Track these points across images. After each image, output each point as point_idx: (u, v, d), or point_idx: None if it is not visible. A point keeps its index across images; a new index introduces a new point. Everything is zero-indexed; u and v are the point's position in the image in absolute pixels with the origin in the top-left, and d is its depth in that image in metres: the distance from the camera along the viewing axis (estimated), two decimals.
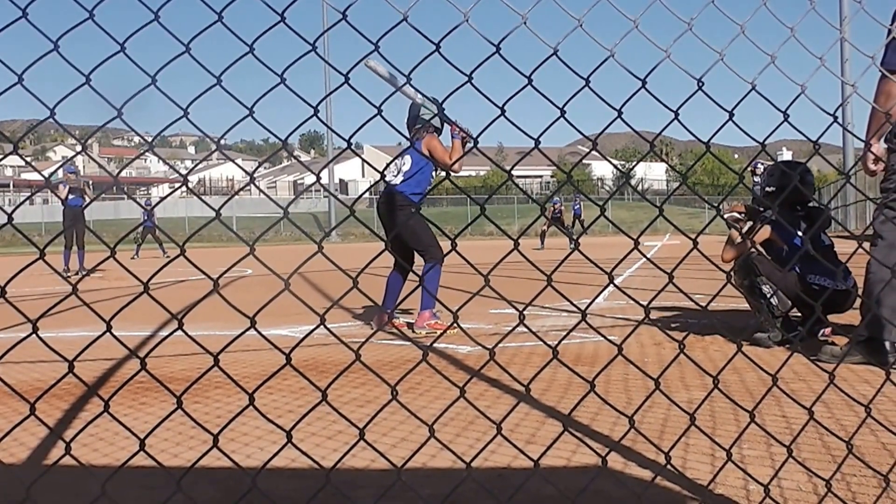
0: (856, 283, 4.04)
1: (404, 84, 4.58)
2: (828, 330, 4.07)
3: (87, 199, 12.70)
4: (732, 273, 4.26)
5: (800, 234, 4.22)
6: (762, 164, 18.29)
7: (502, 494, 1.93)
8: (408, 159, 5.11)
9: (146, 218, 18.45)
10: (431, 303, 5.01)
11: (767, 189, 4.37)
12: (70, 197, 12.36)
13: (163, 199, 1.62)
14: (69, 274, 11.70)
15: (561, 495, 1.90)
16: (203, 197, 1.70)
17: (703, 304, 1.57)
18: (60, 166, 1.72)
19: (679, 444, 2.21)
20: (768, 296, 4.11)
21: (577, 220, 24.83)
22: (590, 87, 1.43)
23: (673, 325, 5.11)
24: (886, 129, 3.50)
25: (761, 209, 4.66)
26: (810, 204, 4.52)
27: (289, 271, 1.39)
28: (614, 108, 1.45)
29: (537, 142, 1.40)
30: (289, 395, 3.22)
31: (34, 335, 1.21)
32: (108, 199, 43.75)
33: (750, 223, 4.57)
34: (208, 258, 16.61)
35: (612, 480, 2.03)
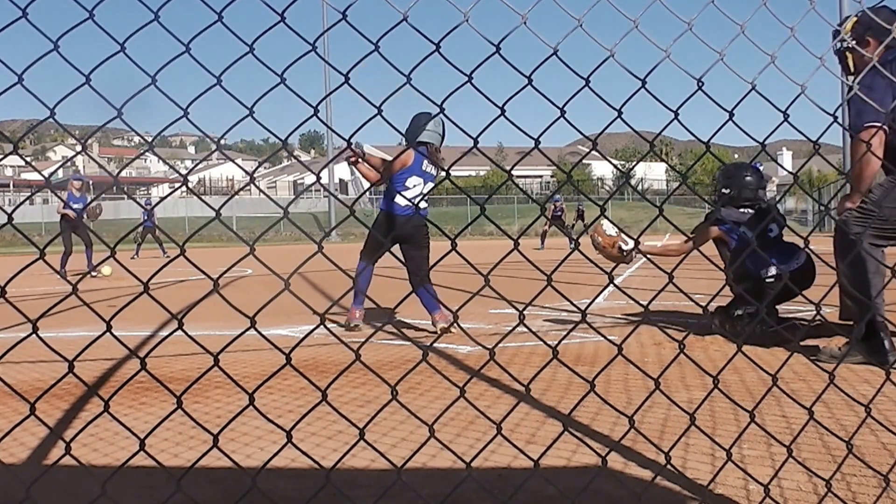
0: (809, 257, 4.19)
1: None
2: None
3: (87, 201, 12.64)
4: (713, 319, 4.38)
5: (744, 229, 4.37)
6: (760, 165, 18.34)
7: (502, 494, 1.93)
8: (430, 186, 5.22)
9: (146, 218, 18.42)
10: (435, 305, 5.03)
11: (723, 191, 4.54)
12: (74, 206, 12.21)
13: (163, 199, 1.62)
14: (91, 273, 11.54)
15: (561, 495, 1.90)
16: (203, 197, 1.70)
17: (703, 304, 1.57)
18: (60, 166, 1.72)
19: (679, 444, 2.21)
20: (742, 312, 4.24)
21: (579, 219, 24.65)
22: (590, 87, 1.43)
23: (673, 325, 5.11)
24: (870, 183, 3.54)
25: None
26: (761, 202, 4.64)
27: (289, 271, 1.39)
28: (614, 108, 1.45)
29: (537, 142, 1.40)
30: (289, 395, 3.22)
31: (34, 335, 1.21)
32: (108, 199, 43.73)
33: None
34: (208, 258, 16.61)
35: (612, 480, 2.03)
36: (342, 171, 65.08)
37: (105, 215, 39.47)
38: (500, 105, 1.38)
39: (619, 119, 1.46)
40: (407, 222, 5.03)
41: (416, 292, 4.79)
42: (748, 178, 4.49)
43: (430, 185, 5.19)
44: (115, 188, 1.43)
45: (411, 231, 5.05)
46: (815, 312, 1.57)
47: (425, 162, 5.07)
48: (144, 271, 1.22)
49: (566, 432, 1.54)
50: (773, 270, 4.18)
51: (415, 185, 5.12)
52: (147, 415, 2.95)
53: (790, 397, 1.87)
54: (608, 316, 5.77)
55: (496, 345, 1.44)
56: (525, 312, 1.44)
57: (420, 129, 5.01)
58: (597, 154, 1.56)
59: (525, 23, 1.34)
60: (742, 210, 4.49)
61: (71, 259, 12.19)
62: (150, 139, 1.32)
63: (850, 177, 3.54)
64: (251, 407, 1.29)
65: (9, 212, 1.20)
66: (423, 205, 5.18)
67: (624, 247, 4.44)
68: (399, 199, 5.03)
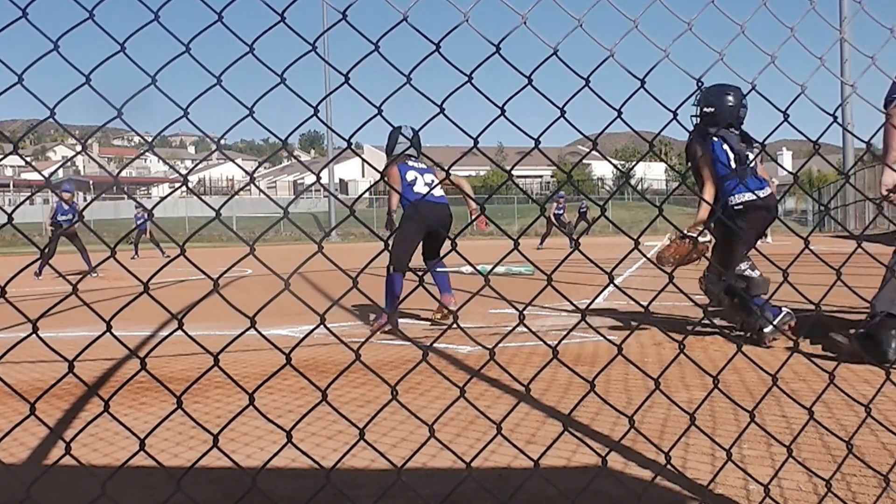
0: (773, 193, 4.37)
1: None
2: (793, 322, 4.12)
3: (77, 213, 12.50)
4: (701, 286, 4.36)
5: (729, 152, 4.35)
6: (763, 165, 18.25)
7: (502, 494, 1.93)
8: (432, 177, 5.63)
9: (139, 220, 18.21)
10: (448, 286, 5.50)
11: (706, 109, 4.46)
12: (62, 218, 12.15)
13: (163, 198, 1.62)
14: (92, 273, 11.50)
15: (561, 495, 1.90)
16: (203, 197, 1.70)
17: (703, 304, 1.57)
18: (60, 166, 1.72)
19: (679, 444, 2.21)
20: (747, 275, 4.21)
21: (582, 219, 24.32)
22: (590, 87, 1.43)
23: (673, 325, 5.11)
24: None
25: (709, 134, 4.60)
26: (743, 127, 4.57)
27: (289, 271, 1.39)
28: (614, 109, 1.45)
29: (537, 142, 1.40)
30: (289, 395, 3.22)
31: (34, 335, 1.21)
32: (108, 199, 43.67)
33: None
34: (208, 258, 16.60)
35: (612, 480, 2.03)
36: (342, 171, 65.15)
37: (105, 215, 39.41)
38: (500, 105, 1.38)
39: (618, 119, 1.47)
40: (434, 208, 5.44)
41: (432, 270, 5.37)
42: (729, 97, 4.42)
43: (430, 175, 5.53)
44: (115, 188, 1.43)
45: (443, 215, 5.46)
46: (815, 310, 1.58)
47: (409, 161, 5.52)
48: (144, 271, 1.22)
49: (566, 432, 1.54)
50: (744, 197, 4.23)
51: (415, 178, 5.48)
52: (147, 415, 2.95)
53: (790, 397, 1.87)
54: (608, 316, 5.77)
55: (496, 345, 1.44)
56: (525, 312, 1.44)
57: (393, 144, 5.52)
58: (597, 154, 1.56)
59: (525, 23, 1.34)
60: (733, 131, 4.43)
61: (71, 260, 12.19)
62: (150, 139, 1.32)
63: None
64: (251, 407, 1.29)
65: (9, 212, 1.20)
66: (438, 192, 5.54)
67: (699, 238, 4.36)
68: (417, 190, 5.42)
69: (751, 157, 4.40)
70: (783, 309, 4.14)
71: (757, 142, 4.52)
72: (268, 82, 1.28)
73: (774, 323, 4.05)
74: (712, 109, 4.42)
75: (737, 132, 4.44)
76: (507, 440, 1.51)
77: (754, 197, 4.26)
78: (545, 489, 1.95)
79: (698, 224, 4.36)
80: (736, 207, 4.25)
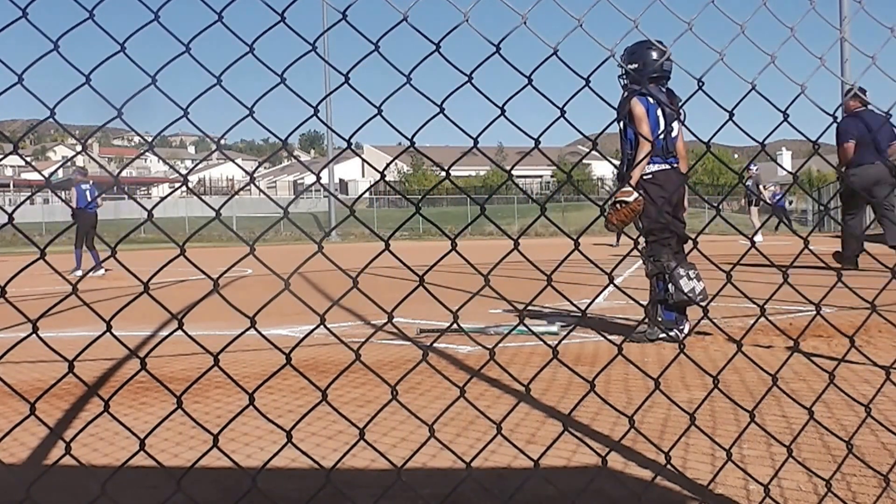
0: (678, 167, 4.30)
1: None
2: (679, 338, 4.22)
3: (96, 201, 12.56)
4: (645, 261, 4.34)
5: (660, 119, 4.31)
6: (755, 166, 18.18)
7: (502, 494, 1.94)
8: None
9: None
10: None
11: (632, 66, 4.40)
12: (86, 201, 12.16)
13: (163, 198, 1.62)
14: (97, 274, 11.51)
15: (561, 495, 1.90)
16: (203, 197, 1.70)
17: (704, 304, 1.57)
18: (60, 166, 1.72)
19: (679, 444, 2.21)
20: (673, 273, 4.23)
21: (783, 215, 22.41)
22: (590, 87, 1.43)
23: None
24: None
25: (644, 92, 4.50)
26: (667, 77, 4.54)
27: (289, 271, 1.39)
28: (614, 108, 1.45)
29: (537, 142, 1.40)
30: (289, 395, 3.22)
31: (34, 335, 1.21)
32: (108, 199, 43.64)
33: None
34: (208, 258, 16.59)
35: (612, 480, 2.03)
36: (342, 171, 65.14)
37: (105, 215, 39.38)
38: (500, 105, 1.38)
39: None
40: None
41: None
42: (651, 51, 4.38)
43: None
44: (115, 188, 1.43)
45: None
46: (815, 312, 1.58)
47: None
48: (144, 271, 1.22)
49: (566, 432, 1.54)
50: (667, 161, 4.23)
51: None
52: (147, 415, 2.95)
53: (790, 397, 1.87)
54: (608, 316, 5.76)
55: (496, 345, 1.44)
56: (525, 312, 1.44)
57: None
58: (597, 154, 1.56)
59: (525, 23, 1.34)
60: (660, 87, 4.40)
61: (70, 260, 12.18)
62: (150, 139, 1.32)
63: None
64: (251, 407, 1.29)
65: (9, 212, 1.20)
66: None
67: (626, 199, 4.33)
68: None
69: (677, 117, 4.27)
70: (686, 324, 4.34)
71: (682, 100, 4.40)
72: (268, 82, 1.28)
73: (672, 334, 4.19)
74: (637, 65, 4.37)
75: (664, 89, 4.41)
76: (507, 440, 1.51)
77: (667, 166, 4.26)
78: (545, 489, 1.95)
79: (626, 188, 4.30)
80: (645, 177, 4.24)
